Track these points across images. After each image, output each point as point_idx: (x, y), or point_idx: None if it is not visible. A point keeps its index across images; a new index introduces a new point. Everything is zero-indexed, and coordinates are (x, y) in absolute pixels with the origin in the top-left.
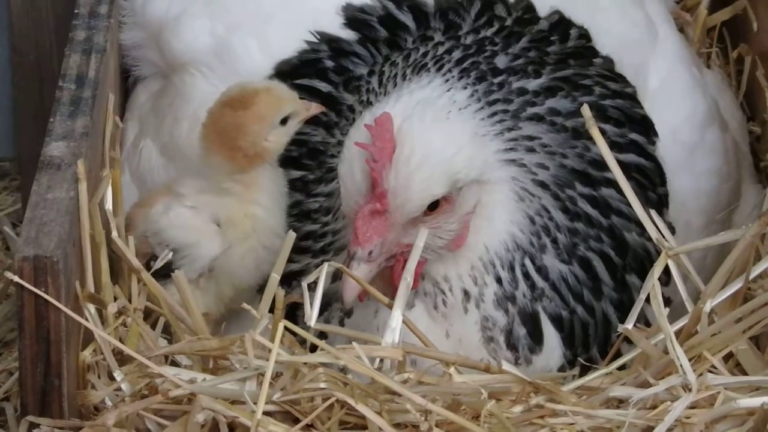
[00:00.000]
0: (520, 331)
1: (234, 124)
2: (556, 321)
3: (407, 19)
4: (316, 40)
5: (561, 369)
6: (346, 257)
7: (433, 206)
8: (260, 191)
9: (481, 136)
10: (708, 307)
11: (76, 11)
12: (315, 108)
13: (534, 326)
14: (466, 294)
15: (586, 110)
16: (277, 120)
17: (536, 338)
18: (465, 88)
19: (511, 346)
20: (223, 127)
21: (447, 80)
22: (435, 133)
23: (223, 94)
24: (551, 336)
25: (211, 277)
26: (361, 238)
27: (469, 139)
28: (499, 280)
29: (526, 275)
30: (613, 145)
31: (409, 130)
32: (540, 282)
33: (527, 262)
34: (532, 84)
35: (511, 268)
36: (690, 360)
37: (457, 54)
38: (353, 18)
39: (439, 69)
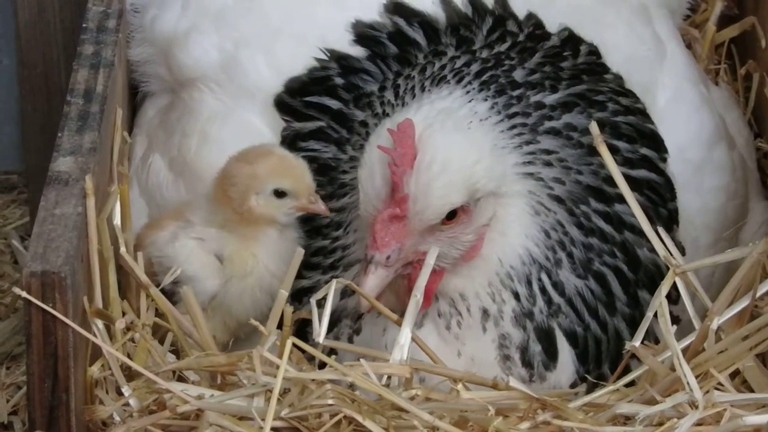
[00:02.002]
0: (536, 347)
1: (230, 173)
2: (571, 337)
3: (418, 35)
4: (325, 58)
5: (572, 386)
6: (363, 261)
7: (451, 216)
8: (261, 248)
9: (500, 149)
10: (715, 324)
11: (84, 25)
12: (321, 207)
13: (549, 343)
14: (485, 313)
15: (594, 127)
16: (270, 186)
17: (551, 355)
18: (485, 100)
19: (527, 363)
20: (224, 173)
21: (468, 92)
22: (456, 141)
23: (250, 147)
24: (565, 352)
25: (214, 307)
26: (380, 242)
27: (489, 151)
28: (517, 296)
29: (543, 290)
30: (626, 162)
31: (430, 137)
32: (556, 297)
33: (544, 277)
34: (549, 98)
35: (528, 283)
36: (697, 377)
37: (475, 67)
38: (363, 35)
39: (459, 81)
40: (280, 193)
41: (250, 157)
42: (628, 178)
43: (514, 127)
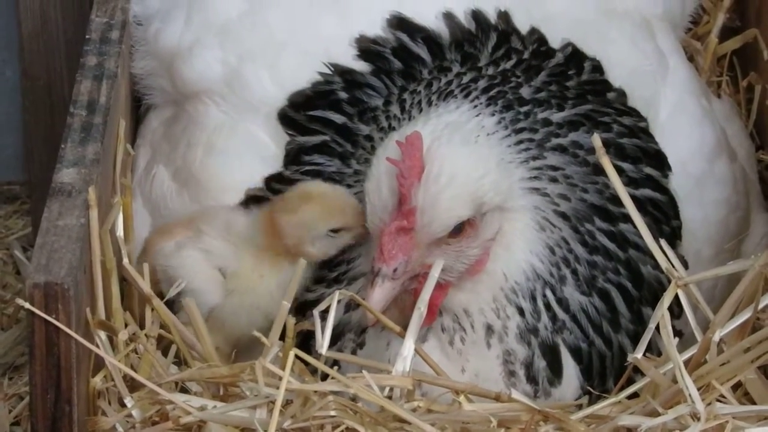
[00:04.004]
0: (540, 363)
1: (279, 224)
2: (576, 353)
3: (422, 51)
4: (329, 72)
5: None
6: (370, 274)
7: (458, 229)
8: (272, 270)
9: (507, 163)
10: (717, 336)
11: (87, 36)
12: None
13: (554, 358)
14: (489, 329)
15: (596, 140)
16: (323, 230)
17: (556, 370)
18: (493, 114)
19: (531, 378)
20: (274, 221)
21: (475, 106)
22: (463, 155)
23: (289, 190)
24: (570, 368)
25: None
26: (387, 255)
27: (496, 165)
28: (521, 312)
29: (548, 306)
30: (630, 182)
31: (438, 150)
32: (561, 314)
33: (548, 293)
34: (556, 116)
35: (533, 298)
36: (699, 389)
37: (482, 83)
38: (366, 50)
39: (466, 96)
40: (335, 230)
41: (293, 205)
42: (633, 198)
43: (521, 142)
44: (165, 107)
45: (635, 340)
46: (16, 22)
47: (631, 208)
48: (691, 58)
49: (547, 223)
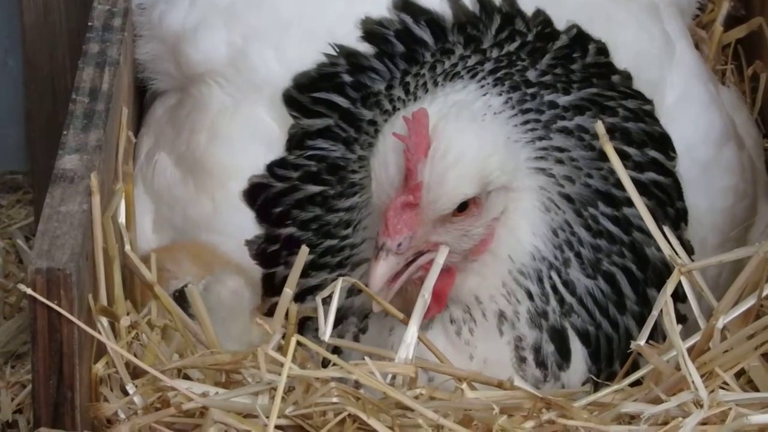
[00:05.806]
0: (548, 348)
1: None
2: (583, 336)
3: (424, 33)
4: (334, 53)
5: (585, 384)
6: (374, 248)
7: (463, 207)
8: None
9: (513, 142)
10: (720, 323)
11: (89, 24)
12: None
13: (562, 342)
14: (502, 316)
15: (600, 127)
16: None
17: (564, 354)
18: (500, 95)
19: (540, 363)
20: None
21: (482, 86)
22: (471, 133)
23: None
24: (578, 351)
25: None
26: (392, 229)
27: (503, 144)
28: (530, 296)
29: (555, 289)
30: (636, 166)
31: (445, 128)
32: (568, 297)
33: (554, 275)
34: (562, 99)
35: (540, 280)
36: (702, 376)
37: (489, 65)
38: (371, 32)
39: (473, 77)
40: None
41: None
42: (637, 182)
43: (527, 122)
44: (170, 94)
45: (641, 323)
46: (19, 11)
47: (635, 195)
48: (696, 47)
49: (552, 205)
